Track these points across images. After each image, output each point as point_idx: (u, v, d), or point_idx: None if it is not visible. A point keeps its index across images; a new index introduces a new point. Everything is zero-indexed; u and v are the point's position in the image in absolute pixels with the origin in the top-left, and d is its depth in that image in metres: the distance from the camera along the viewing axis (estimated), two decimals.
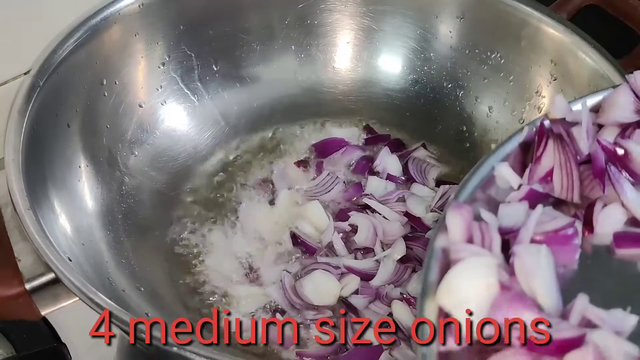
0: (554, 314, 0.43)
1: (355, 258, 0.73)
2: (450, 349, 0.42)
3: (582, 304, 0.44)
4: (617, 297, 0.45)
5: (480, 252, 0.45)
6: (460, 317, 0.42)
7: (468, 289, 0.42)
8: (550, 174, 0.51)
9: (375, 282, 0.71)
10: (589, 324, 0.43)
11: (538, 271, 0.44)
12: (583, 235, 0.49)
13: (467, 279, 0.43)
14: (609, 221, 0.49)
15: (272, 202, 0.79)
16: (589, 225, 0.49)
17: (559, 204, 0.51)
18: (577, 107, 0.53)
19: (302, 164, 0.82)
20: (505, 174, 0.51)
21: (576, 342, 0.41)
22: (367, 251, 0.74)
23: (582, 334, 0.41)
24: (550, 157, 0.51)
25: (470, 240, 0.45)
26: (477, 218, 0.47)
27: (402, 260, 0.73)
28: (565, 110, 0.53)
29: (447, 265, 0.44)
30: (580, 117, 0.52)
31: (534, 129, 0.53)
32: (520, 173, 0.52)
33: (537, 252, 0.45)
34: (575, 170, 0.51)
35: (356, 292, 0.71)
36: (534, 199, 0.50)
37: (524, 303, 0.42)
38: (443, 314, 0.42)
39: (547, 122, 0.52)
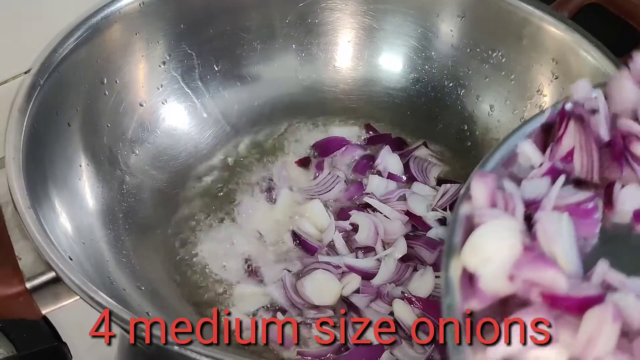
0: (575, 277, 0.44)
1: (356, 257, 0.73)
2: (472, 308, 0.43)
3: (603, 268, 0.45)
4: (637, 269, 0.46)
5: (504, 215, 0.45)
6: (484, 274, 0.43)
7: (492, 249, 0.43)
8: (570, 153, 0.52)
9: (376, 281, 0.71)
10: (609, 288, 0.44)
11: (559, 237, 0.45)
12: (603, 213, 0.50)
13: (491, 239, 0.44)
14: (629, 200, 0.50)
15: (272, 201, 0.79)
16: (609, 204, 0.50)
17: (578, 185, 0.52)
18: (593, 94, 0.54)
19: (303, 163, 0.82)
20: (529, 150, 0.52)
21: (596, 300, 0.41)
22: (368, 250, 0.74)
23: (603, 293, 0.42)
24: (571, 137, 0.52)
25: (494, 207, 0.46)
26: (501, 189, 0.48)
27: (403, 259, 0.72)
28: (588, 91, 0.53)
29: (470, 229, 0.45)
30: (597, 105, 0.52)
31: (556, 111, 0.53)
32: (541, 153, 0.52)
33: (558, 219, 0.46)
34: (595, 151, 0.52)
35: (357, 291, 0.71)
36: (555, 176, 0.50)
37: (546, 262, 0.43)
38: (467, 273, 0.43)
39: (568, 105, 0.53)
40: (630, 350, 0.41)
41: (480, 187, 0.47)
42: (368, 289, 0.70)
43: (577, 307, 0.42)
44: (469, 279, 0.43)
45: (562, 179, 0.49)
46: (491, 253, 0.43)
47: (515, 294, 0.43)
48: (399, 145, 0.84)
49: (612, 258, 0.46)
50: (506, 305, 0.43)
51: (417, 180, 0.80)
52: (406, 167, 0.81)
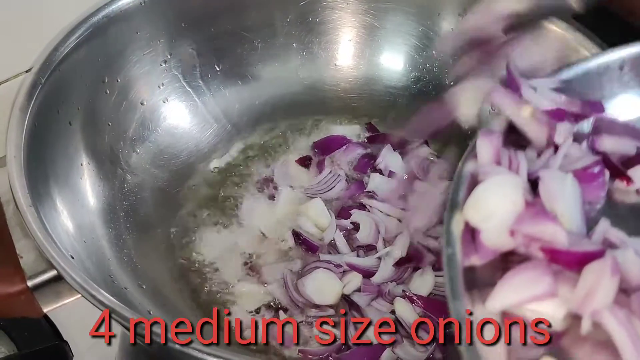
0: (576, 235, 0.44)
1: (358, 255, 0.73)
2: (473, 263, 0.43)
3: (604, 226, 0.45)
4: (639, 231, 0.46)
5: (508, 172, 0.46)
6: (486, 229, 0.43)
7: (494, 204, 0.43)
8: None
9: (376, 279, 0.71)
10: (610, 246, 0.44)
11: (562, 195, 0.45)
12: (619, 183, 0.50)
13: (494, 194, 0.44)
14: None
15: (273, 200, 0.78)
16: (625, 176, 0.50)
17: None
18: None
19: (304, 161, 0.82)
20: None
21: (596, 255, 0.41)
22: (370, 248, 0.74)
23: (603, 249, 0.42)
24: None
25: (498, 165, 0.46)
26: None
27: (404, 258, 0.72)
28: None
29: (474, 187, 0.45)
30: None
31: None
32: None
33: (562, 178, 0.46)
34: None
35: (358, 289, 0.70)
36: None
37: (547, 217, 0.43)
38: (469, 228, 0.43)
39: None
40: (628, 305, 0.41)
41: (485, 145, 0.47)
42: (369, 287, 0.70)
43: (577, 262, 0.42)
44: (471, 235, 0.43)
45: (570, 140, 0.49)
46: (494, 208, 0.43)
47: (516, 251, 0.43)
48: (400, 144, 0.84)
49: (615, 220, 0.46)
50: (507, 262, 0.43)
51: (419, 179, 0.79)
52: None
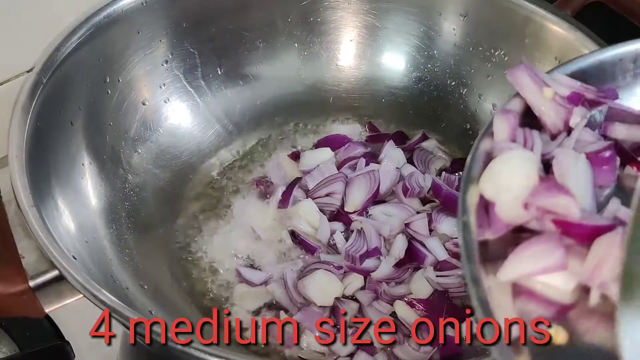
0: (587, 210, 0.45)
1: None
2: (487, 238, 0.43)
3: (614, 205, 0.45)
4: None
5: (523, 148, 0.46)
6: (501, 202, 0.43)
7: (509, 177, 0.44)
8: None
9: (377, 274, 0.71)
10: (621, 223, 0.44)
11: (575, 173, 0.45)
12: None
13: (509, 168, 0.45)
14: None
15: (269, 200, 0.78)
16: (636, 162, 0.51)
17: None
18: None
19: (296, 156, 0.81)
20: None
21: (607, 229, 0.42)
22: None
23: (614, 224, 0.43)
24: None
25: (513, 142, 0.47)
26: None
27: (403, 258, 0.72)
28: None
29: (489, 163, 0.45)
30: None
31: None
32: None
33: (575, 158, 0.46)
34: None
35: (360, 289, 0.70)
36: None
37: (562, 191, 0.43)
38: (483, 201, 0.44)
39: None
40: None
41: (502, 123, 0.47)
42: (372, 285, 0.70)
43: (588, 235, 0.42)
44: (485, 209, 0.44)
45: (584, 121, 0.49)
46: (508, 181, 0.44)
47: (527, 227, 0.44)
48: (401, 139, 0.83)
49: (624, 205, 0.46)
50: (517, 239, 0.44)
51: (418, 170, 0.79)
52: (410, 160, 0.81)
